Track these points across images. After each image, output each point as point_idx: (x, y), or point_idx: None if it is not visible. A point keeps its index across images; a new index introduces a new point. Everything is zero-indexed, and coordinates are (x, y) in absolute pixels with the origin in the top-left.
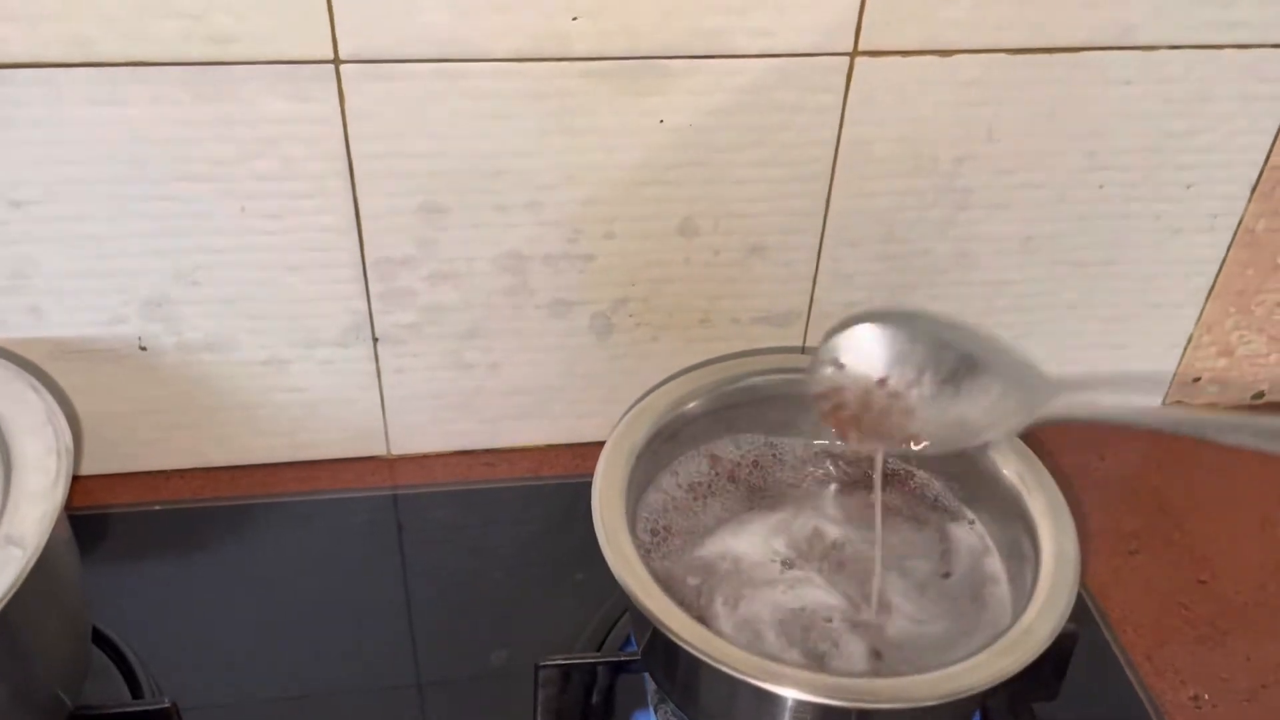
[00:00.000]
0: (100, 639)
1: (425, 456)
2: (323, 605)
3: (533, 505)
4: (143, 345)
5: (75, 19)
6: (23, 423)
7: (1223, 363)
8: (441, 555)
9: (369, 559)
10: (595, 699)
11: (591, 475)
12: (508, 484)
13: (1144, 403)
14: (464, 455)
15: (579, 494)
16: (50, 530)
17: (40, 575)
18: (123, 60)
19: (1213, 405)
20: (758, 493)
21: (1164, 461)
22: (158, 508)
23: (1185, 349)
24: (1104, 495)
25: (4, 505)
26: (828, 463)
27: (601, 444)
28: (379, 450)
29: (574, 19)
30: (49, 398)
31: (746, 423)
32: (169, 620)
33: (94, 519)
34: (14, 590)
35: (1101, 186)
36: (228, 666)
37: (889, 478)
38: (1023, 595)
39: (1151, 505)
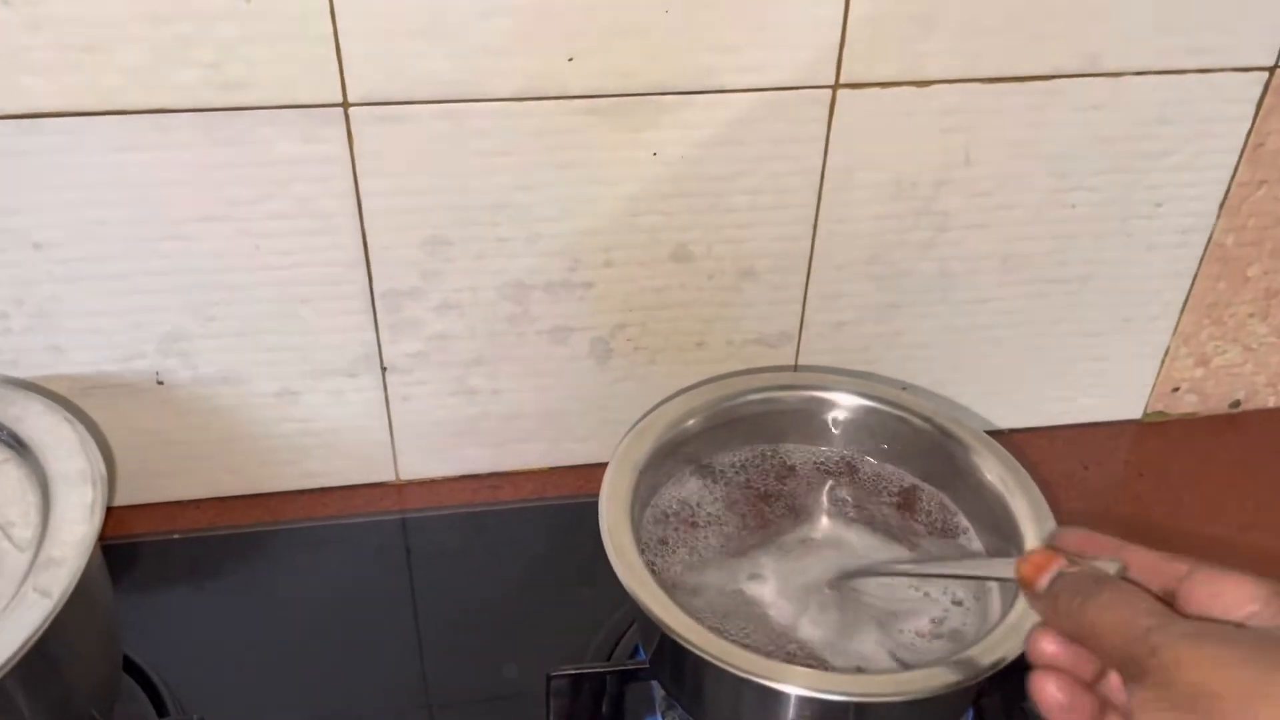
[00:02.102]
0: (125, 662)
1: (433, 481)
2: (336, 628)
3: (538, 526)
4: (160, 379)
5: (98, 70)
6: (59, 453)
7: (1200, 373)
8: (450, 576)
9: (380, 582)
10: (605, 708)
11: (593, 495)
12: (513, 506)
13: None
14: (470, 479)
15: (583, 513)
16: (88, 556)
17: (78, 597)
18: (143, 108)
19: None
20: (757, 503)
21: (1146, 472)
22: (175, 536)
23: (1163, 360)
24: (1088, 504)
25: (43, 533)
26: (822, 470)
27: (602, 465)
28: (388, 476)
29: (569, 60)
30: (83, 430)
31: (744, 437)
32: (189, 643)
33: (115, 548)
34: (57, 609)
35: (1074, 206)
36: (245, 688)
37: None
38: (1010, 592)
39: (1134, 514)
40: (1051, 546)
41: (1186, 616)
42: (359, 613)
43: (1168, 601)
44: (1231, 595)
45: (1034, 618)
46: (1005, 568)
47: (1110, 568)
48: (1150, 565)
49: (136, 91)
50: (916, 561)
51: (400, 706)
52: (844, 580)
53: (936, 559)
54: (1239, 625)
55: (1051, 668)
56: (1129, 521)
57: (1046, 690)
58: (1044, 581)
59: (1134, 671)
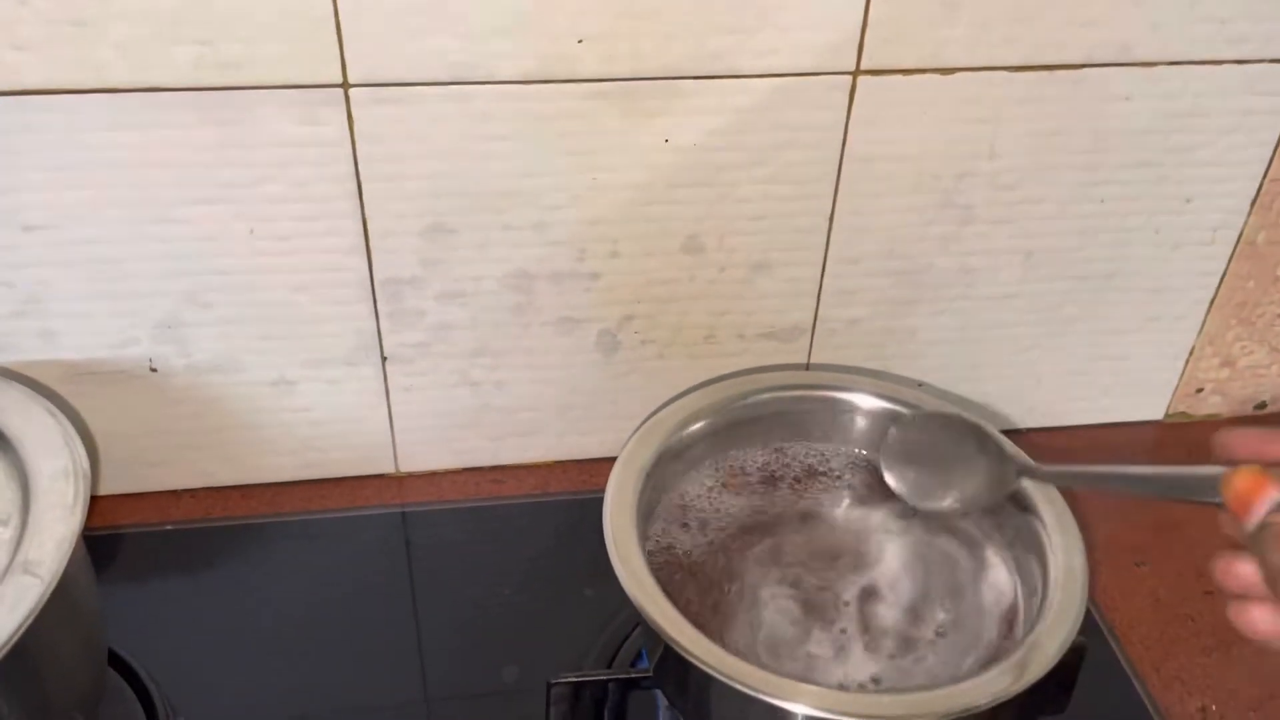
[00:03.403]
0: (112, 658)
1: (433, 474)
2: (332, 623)
3: (540, 521)
4: (153, 367)
5: (89, 46)
6: (41, 446)
7: (1225, 373)
8: (450, 572)
9: (378, 576)
10: (607, 716)
11: (598, 490)
12: (515, 500)
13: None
14: (471, 472)
15: (586, 510)
16: (70, 554)
17: (59, 598)
18: (135, 86)
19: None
20: (767, 507)
21: None
22: (168, 527)
23: (1187, 360)
24: (1109, 508)
25: (24, 529)
26: (835, 474)
27: (608, 460)
28: (387, 468)
29: (579, 41)
30: (66, 422)
31: (754, 438)
32: (180, 639)
33: (105, 539)
34: (34, 615)
35: (1102, 201)
36: (238, 685)
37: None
38: (1032, 611)
39: (1157, 518)
40: (1260, 466)
41: None
42: (356, 609)
43: None
44: None
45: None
46: (1208, 487)
47: None
48: None
49: (128, 69)
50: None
51: (397, 706)
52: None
53: (1112, 469)
54: None
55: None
56: (1149, 527)
57: (1254, 623)
58: (1255, 517)
59: None
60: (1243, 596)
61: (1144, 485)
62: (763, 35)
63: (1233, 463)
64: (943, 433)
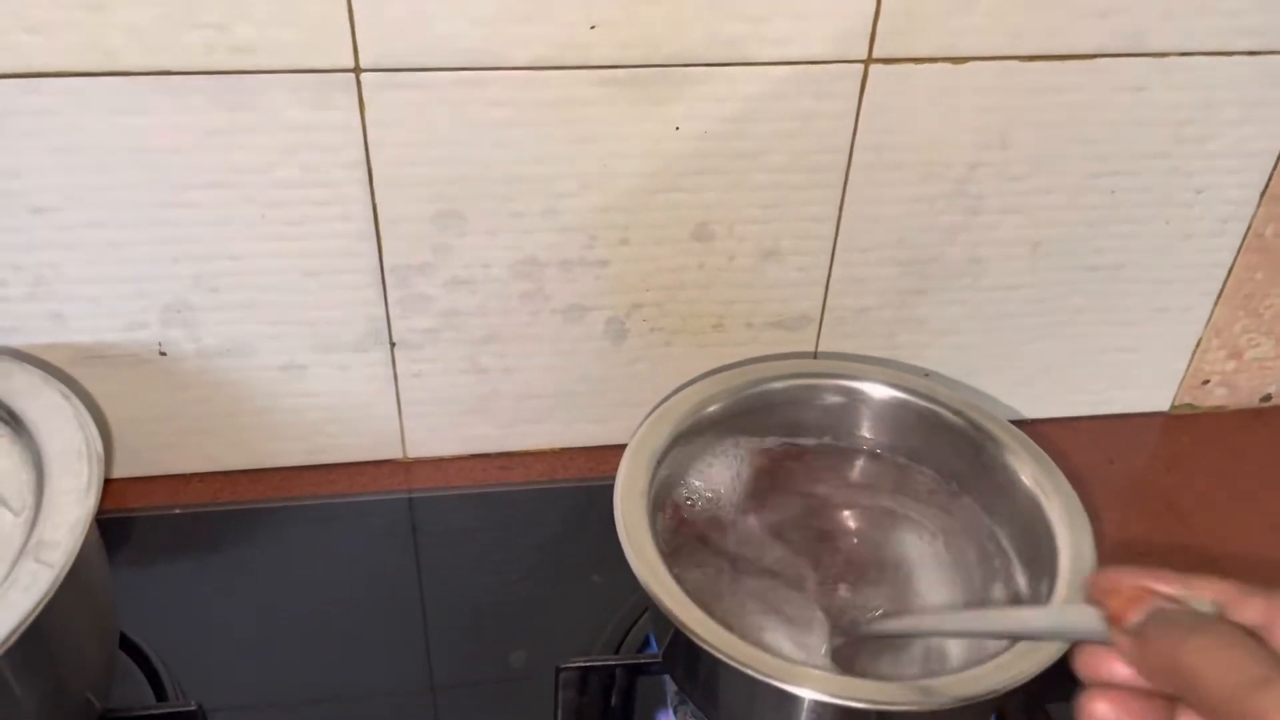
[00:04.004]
0: (122, 641)
1: (441, 460)
2: (341, 608)
3: (548, 508)
4: (163, 351)
5: (100, 30)
6: (54, 428)
7: (1231, 365)
8: (458, 558)
9: (386, 562)
10: (615, 701)
11: (605, 478)
12: (523, 487)
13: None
14: (480, 459)
15: (594, 497)
16: (83, 537)
17: (72, 581)
18: (146, 70)
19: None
20: (777, 493)
21: (1173, 464)
22: (177, 511)
23: (1194, 352)
24: (1113, 498)
25: (37, 511)
26: (845, 463)
27: (615, 447)
28: (395, 454)
29: (592, 28)
30: (79, 404)
31: (765, 426)
32: (189, 623)
33: (115, 523)
34: (48, 597)
35: (1113, 192)
36: (246, 669)
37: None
38: (1040, 599)
39: (1161, 509)
40: (1138, 584)
41: None
42: (364, 593)
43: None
44: None
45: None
46: (1081, 614)
47: (1205, 608)
48: (1229, 599)
49: (140, 52)
50: (963, 612)
51: (404, 690)
52: (871, 633)
53: (987, 609)
54: None
55: (1106, 686)
56: (1155, 517)
57: (1096, 711)
58: (1136, 616)
59: None
60: (1100, 688)
61: (1011, 629)
62: (775, 23)
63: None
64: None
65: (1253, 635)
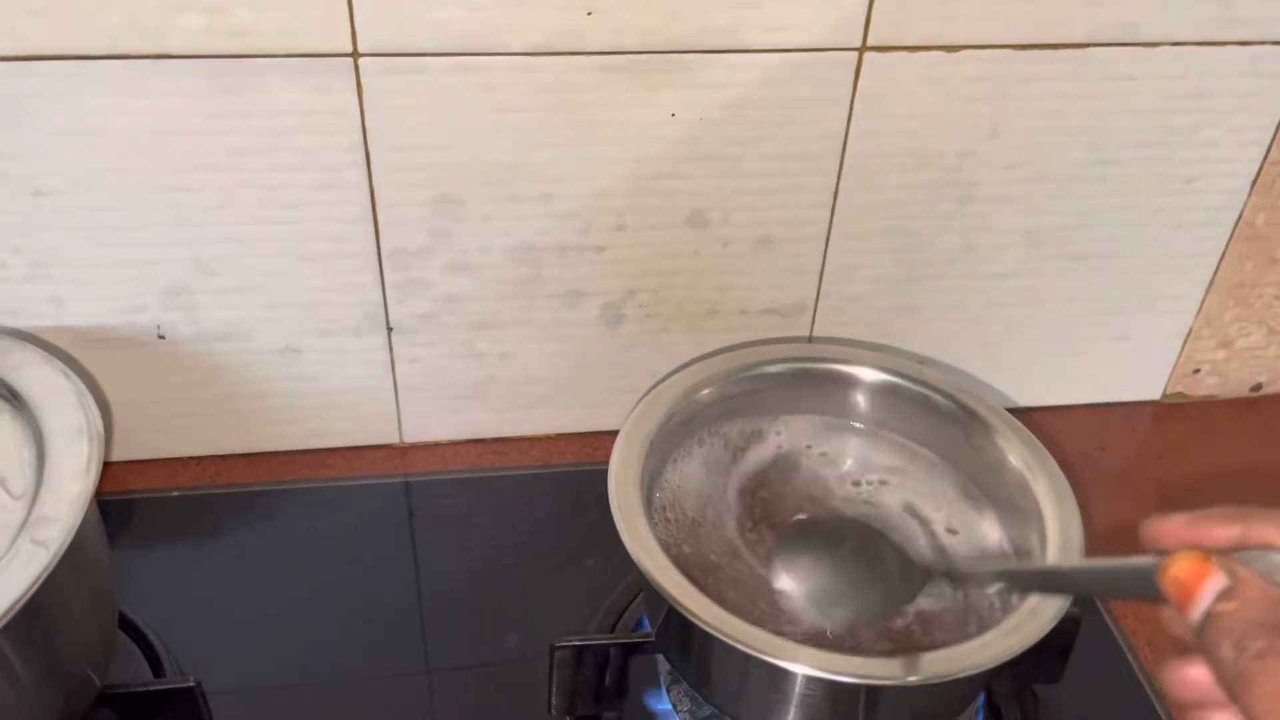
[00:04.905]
0: (121, 620)
1: (437, 445)
2: (336, 591)
3: (543, 493)
4: (161, 334)
5: (99, 12)
6: (55, 407)
7: (1222, 355)
8: (453, 542)
9: (382, 545)
10: (609, 680)
11: (600, 463)
12: (519, 472)
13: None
14: (476, 444)
15: (589, 482)
16: (83, 513)
17: (71, 558)
18: (145, 53)
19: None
20: (769, 476)
21: (1163, 453)
22: (174, 494)
23: (1185, 341)
24: (1104, 486)
25: (38, 489)
26: (836, 439)
27: (610, 433)
28: (392, 438)
29: (588, 14)
30: (79, 383)
31: (757, 409)
32: (187, 604)
33: (113, 504)
34: (47, 572)
35: (1104, 181)
36: (243, 650)
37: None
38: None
39: (1151, 497)
40: (1198, 551)
41: None
42: (360, 576)
43: None
44: None
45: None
46: (1143, 581)
47: (1261, 560)
48: None
49: (138, 35)
50: (1019, 567)
51: (400, 672)
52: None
53: (1041, 566)
54: None
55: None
56: (1145, 505)
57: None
58: (1199, 608)
59: None
60: (1200, 705)
61: (1074, 585)
62: (770, 10)
63: (1164, 553)
64: (841, 538)
65: None
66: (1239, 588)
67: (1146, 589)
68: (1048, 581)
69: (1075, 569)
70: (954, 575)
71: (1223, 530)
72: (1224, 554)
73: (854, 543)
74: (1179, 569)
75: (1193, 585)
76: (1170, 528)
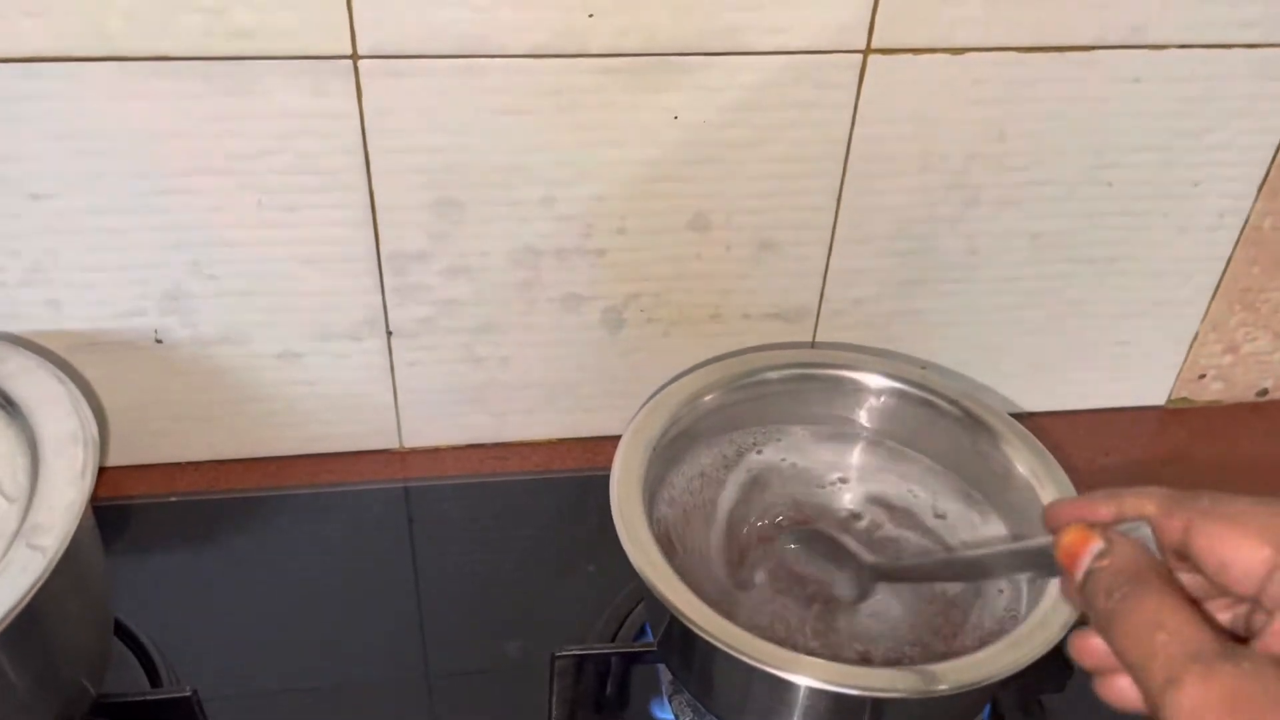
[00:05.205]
0: (117, 627)
1: (437, 449)
2: (335, 597)
3: (544, 498)
4: (159, 338)
5: (97, 13)
6: (49, 413)
7: (1228, 359)
8: (453, 547)
9: (381, 551)
10: (610, 689)
11: (601, 468)
12: (519, 477)
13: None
14: (475, 448)
15: (590, 487)
16: (78, 520)
17: (66, 565)
18: (144, 55)
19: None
20: (773, 484)
21: (1169, 458)
22: (172, 499)
23: (1191, 345)
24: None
25: (32, 496)
26: (841, 451)
27: (611, 438)
28: (391, 443)
29: (590, 16)
30: (75, 388)
31: (761, 416)
32: (183, 610)
33: (110, 510)
34: (42, 580)
35: (1110, 184)
36: (241, 657)
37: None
38: (1035, 589)
39: None
40: (1088, 523)
41: (1221, 648)
42: (359, 582)
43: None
44: (1240, 564)
45: (1059, 614)
46: (1043, 555)
47: (1140, 530)
48: (1165, 512)
49: (138, 37)
50: (943, 557)
51: (399, 679)
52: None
53: (967, 551)
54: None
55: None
56: None
57: (1122, 694)
58: (1081, 568)
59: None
60: (1101, 670)
61: (981, 570)
62: (774, 12)
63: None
64: (808, 545)
65: (1183, 607)
66: (1111, 548)
67: (1047, 563)
68: (969, 568)
69: (984, 556)
70: (887, 573)
71: (1104, 508)
72: (1105, 526)
73: (816, 547)
74: (1069, 539)
75: (1078, 550)
76: (1063, 509)
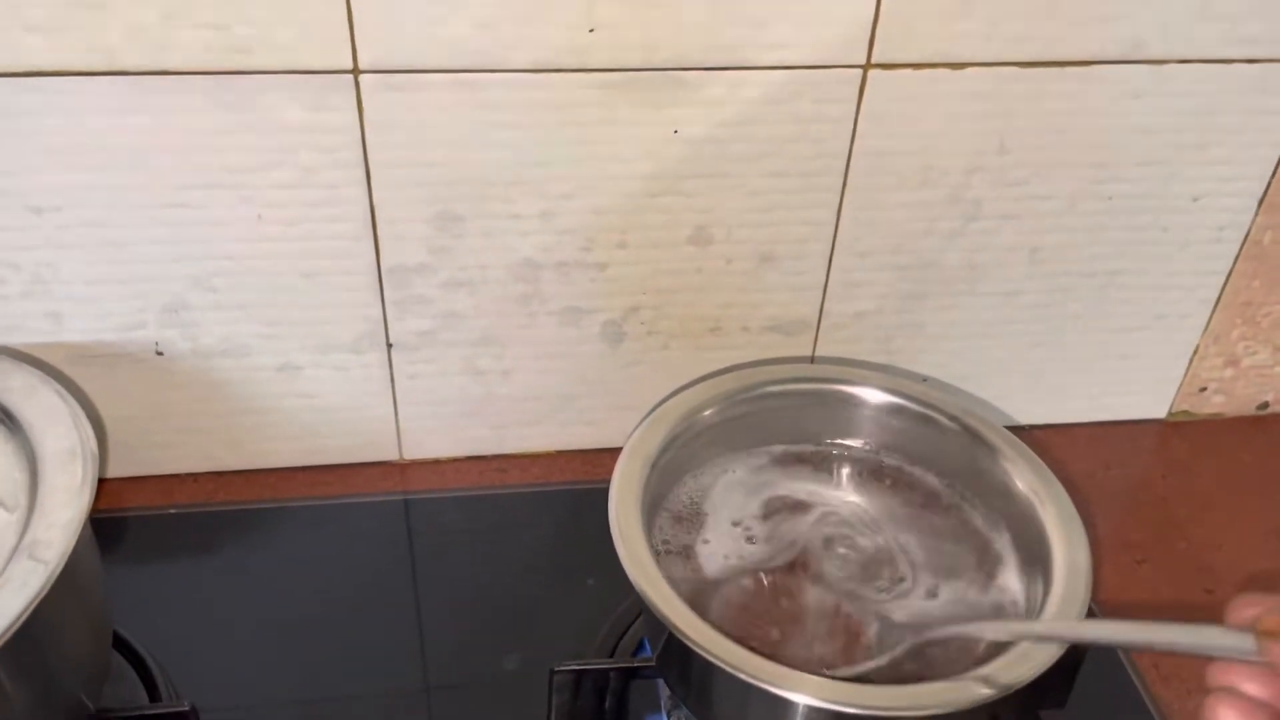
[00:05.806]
0: (116, 640)
1: (437, 462)
2: (335, 609)
3: (543, 511)
4: (159, 350)
5: (99, 29)
6: (49, 427)
7: (1229, 373)
8: (453, 560)
9: (381, 563)
10: (609, 704)
11: (601, 481)
12: (519, 490)
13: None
14: (475, 461)
15: (589, 500)
16: (77, 536)
17: (65, 580)
18: (145, 69)
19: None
20: (773, 499)
21: (1169, 472)
22: (172, 511)
23: (1191, 360)
24: (1110, 506)
25: (31, 510)
26: (840, 468)
27: (611, 450)
28: (391, 455)
29: (591, 31)
30: (74, 403)
31: (760, 431)
32: (183, 623)
33: (109, 522)
34: (40, 596)
35: (1110, 199)
36: (240, 670)
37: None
38: (1035, 605)
39: (1158, 516)
40: None
41: None
42: (358, 595)
43: None
44: None
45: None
46: (1226, 634)
47: None
48: None
49: (139, 52)
50: (1095, 621)
51: (398, 692)
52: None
53: (1119, 620)
54: None
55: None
56: (1151, 524)
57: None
58: None
59: None
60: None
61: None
62: (774, 28)
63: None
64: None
65: None
66: None
67: (1245, 652)
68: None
69: (1170, 639)
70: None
71: None
72: None
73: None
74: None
75: None
76: (1253, 605)
